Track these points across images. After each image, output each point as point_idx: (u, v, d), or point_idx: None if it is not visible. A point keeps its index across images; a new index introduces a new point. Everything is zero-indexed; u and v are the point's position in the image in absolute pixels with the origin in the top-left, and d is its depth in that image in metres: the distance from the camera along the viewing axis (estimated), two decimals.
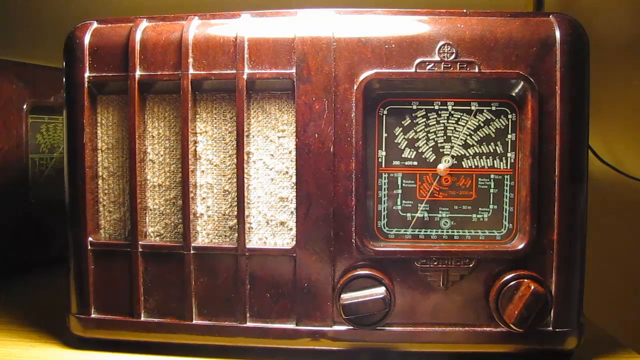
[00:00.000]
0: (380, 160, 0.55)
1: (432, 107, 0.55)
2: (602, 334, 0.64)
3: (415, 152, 0.55)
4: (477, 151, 0.55)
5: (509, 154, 0.55)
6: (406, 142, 0.55)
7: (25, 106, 0.80)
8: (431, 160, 0.55)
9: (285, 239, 0.56)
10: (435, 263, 0.54)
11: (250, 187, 0.56)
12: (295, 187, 0.55)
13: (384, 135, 0.55)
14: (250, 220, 0.56)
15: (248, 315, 0.55)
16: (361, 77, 0.53)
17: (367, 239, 0.54)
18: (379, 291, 0.52)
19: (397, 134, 0.55)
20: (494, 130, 0.55)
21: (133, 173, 0.56)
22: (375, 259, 0.54)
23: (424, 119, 0.55)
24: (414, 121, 0.55)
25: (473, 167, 0.55)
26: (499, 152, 0.55)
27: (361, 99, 0.53)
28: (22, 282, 0.80)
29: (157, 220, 0.57)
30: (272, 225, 0.56)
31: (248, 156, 0.56)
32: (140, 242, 0.56)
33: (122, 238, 0.58)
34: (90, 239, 0.57)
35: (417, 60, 0.53)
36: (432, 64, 0.53)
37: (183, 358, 0.55)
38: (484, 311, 0.54)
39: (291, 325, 0.55)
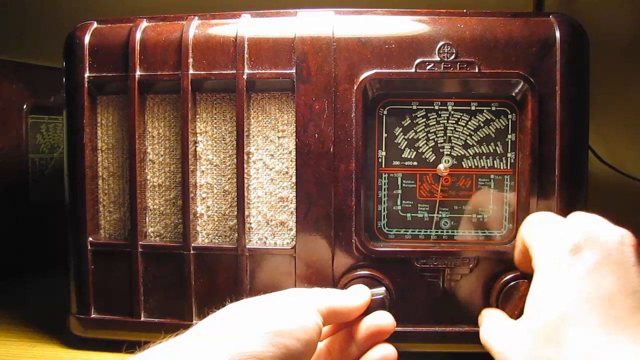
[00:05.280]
0: (380, 160, 0.55)
1: (432, 107, 0.55)
2: None
3: (415, 152, 0.55)
4: (477, 151, 0.55)
5: (509, 154, 0.55)
6: (406, 142, 0.55)
7: (25, 106, 0.80)
8: (431, 161, 0.55)
9: (285, 239, 0.56)
10: (435, 263, 0.54)
11: (250, 187, 0.56)
12: (295, 187, 0.55)
13: (384, 135, 0.55)
14: (250, 220, 0.56)
15: None
16: (361, 77, 0.53)
17: (367, 239, 0.54)
18: (379, 291, 0.52)
19: (397, 134, 0.55)
20: (494, 131, 0.55)
21: (133, 173, 0.56)
22: (375, 259, 0.54)
23: (424, 119, 0.55)
24: (414, 121, 0.55)
25: (473, 167, 0.55)
26: (499, 152, 0.55)
27: (361, 99, 0.53)
28: (22, 283, 0.80)
29: (157, 220, 0.57)
30: (272, 225, 0.56)
31: (248, 156, 0.56)
32: (140, 242, 0.56)
33: (122, 238, 0.58)
34: (90, 239, 0.57)
35: (417, 61, 0.53)
36: (432, 64, 0.53)
37: None
38: None
39: None
